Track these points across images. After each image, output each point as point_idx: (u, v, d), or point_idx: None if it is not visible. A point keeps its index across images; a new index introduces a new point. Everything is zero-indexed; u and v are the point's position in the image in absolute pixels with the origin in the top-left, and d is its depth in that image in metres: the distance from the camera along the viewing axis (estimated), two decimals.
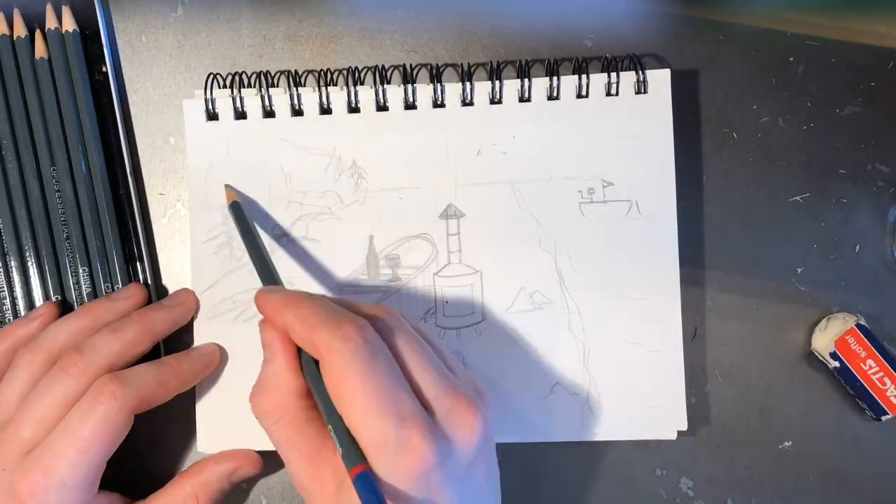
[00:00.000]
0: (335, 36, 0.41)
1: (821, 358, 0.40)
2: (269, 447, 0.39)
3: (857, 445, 0.41)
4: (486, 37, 0.41)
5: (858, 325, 0.39)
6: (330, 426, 0.30)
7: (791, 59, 0.41)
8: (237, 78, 0.40)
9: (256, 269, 0.36)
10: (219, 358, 0.39)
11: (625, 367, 0.39)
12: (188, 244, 0.40)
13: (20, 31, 0.40)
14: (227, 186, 0.40)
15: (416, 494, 0.28)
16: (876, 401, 0.39)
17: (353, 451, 0.29)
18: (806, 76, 0.41)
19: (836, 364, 0.39)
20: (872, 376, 0.39)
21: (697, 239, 0.41)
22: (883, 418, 0.39)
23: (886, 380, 0.38)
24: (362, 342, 0.30)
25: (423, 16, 0.41)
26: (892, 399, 0.38)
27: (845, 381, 0.39)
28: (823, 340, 0.39)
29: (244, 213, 0.38)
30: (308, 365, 0.32)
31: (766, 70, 0.41)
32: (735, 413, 0.41)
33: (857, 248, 0.41)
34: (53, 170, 0.40)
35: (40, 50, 0.40)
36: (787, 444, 0.41)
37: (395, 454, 0.28)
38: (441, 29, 0.41)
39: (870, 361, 0.39)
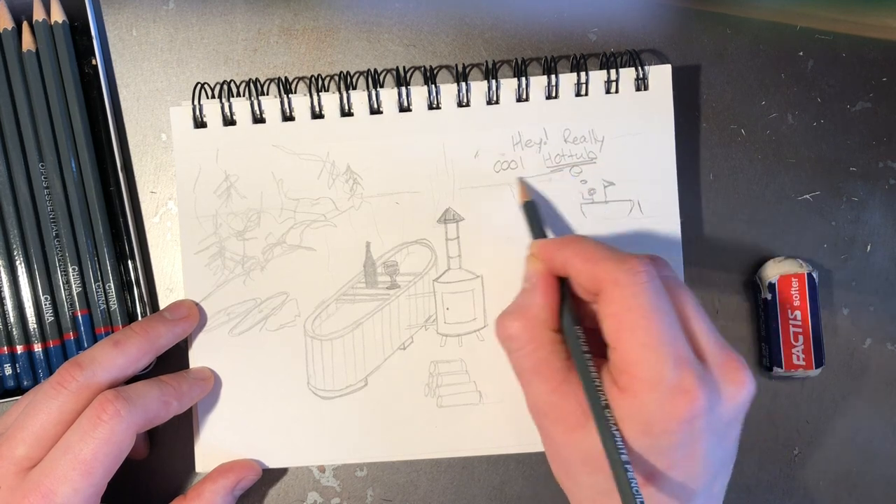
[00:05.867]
0: (332, 30, 0.40)
1: (759, 285, 0.39)
2: (266, 466, 0.39)
3: (867, 450, 0.40)
4: (487, 31, 0.40)
5: (809, 276, 0.38)
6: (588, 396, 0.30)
7: (801, 53, 0.40)
8: (226, 87, 0.39)
9: None
10: (213, 383, 0.38)
11: None
12: (180, 244, 0.39)
13: (6, 22, 0.39)
14: (521, 181, 0.38)
15: (678, 437, 0.29)
16: (779, 351, 0.38)
17: (612, 442, 0.29)
18: (816, 71, 0.40)
19: (769, 296, 0.38)
20: (791, 326, 0.38)
21: (705, 239, 0.40)
22: (774, 370, 0.39)
23: (801, 337, 0.38)
24: (648, 278, 0.30)
25: (422, 9, 0.40)
26: (794, 358, 0.38)
27: (764, 318, 0.39)
28: (771, 271, 0.39)
29: (539, 215, 0.37)
30: (569, 312, 0.33)
31: (774, 65, 0.40)
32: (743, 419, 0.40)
33: (869, 247, 0.40)
34: (42, 166, 0.39)
35: (28, 42, 0.39)
36: (796, 450, 0.40)
37: (669, 394, 0.29)
38: (440, 22, 0.40)
39: (798, 313, 0.38)
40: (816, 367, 0.38)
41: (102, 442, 0.32)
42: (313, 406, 0.39)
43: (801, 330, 0.38)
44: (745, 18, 0.40)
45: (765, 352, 0.39)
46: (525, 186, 0.38)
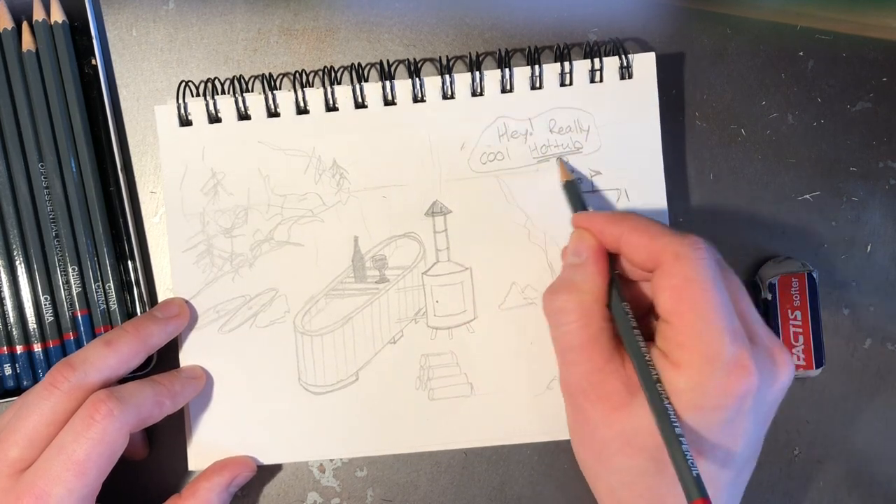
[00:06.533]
0: (332, 30, 0.40)
1: (759, 285, 0.39)
2: (259, 462, 0.39)
3: (867, 451, 0.40)
4: (487, 31, 0.40)
5: (809, 276, 0.38)
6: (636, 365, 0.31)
7: (801, 53, 0.40)
8: (210, 85, 0.39)
9: None
10: (205, 382, 0.38)
11: None
12: (167, 242, 0.39)
13: (6, 22, 0.39)
14: (560, 161, 0.38)
15: (727, 413, 0.29)
16: None
17: (669, 426, 0.29)
18: (816, 71, 0.40)
19: (769, 296, 0.38)
20: (791, 327, 0.38)
21: (705, 239, 0.40)
22: None
23: (801, 338, 0.38)
24: (709, 255, 0.30)
25: (422, 9, 0.40)
26: (794, 358, 0.38)
27: (764, 318, 0.38)
28: (771, 271, 0.39)
29: (580, 192, 0.37)
30: (617, 287, 0.33)
31: (775, 65, 0.40)
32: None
33: (869, 247, 0.40)
34: (42, 166, 0.39)
35: (27, 42, 0.39)
36: (796, 450, 0.40)
37: (726, 370, 0.29)
38: (441, 22, 0.40)
39: (798, 313, 0.38)
40: (816, 367, 0.38)
41: (96, 442, 0.32)
42: (305, 401, 0.39)
43: (801, 330, 0.38)
44: (745, 18, 0.40)
45: None
46: (564, 165, 0.38)
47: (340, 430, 0.39)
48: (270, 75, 0.40)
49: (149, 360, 0.39)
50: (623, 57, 0.38)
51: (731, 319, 0.29)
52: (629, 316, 0.32)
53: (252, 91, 0.40)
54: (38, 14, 0.39)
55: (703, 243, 0.30)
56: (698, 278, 0.29)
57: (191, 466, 0.39)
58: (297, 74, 0.39)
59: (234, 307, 0.39)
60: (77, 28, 0.40)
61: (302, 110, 0.39)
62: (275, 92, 0.39)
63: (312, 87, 0.40)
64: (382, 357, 0.39)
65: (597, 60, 0.38)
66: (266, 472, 0.40)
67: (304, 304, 0.39)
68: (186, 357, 0.39)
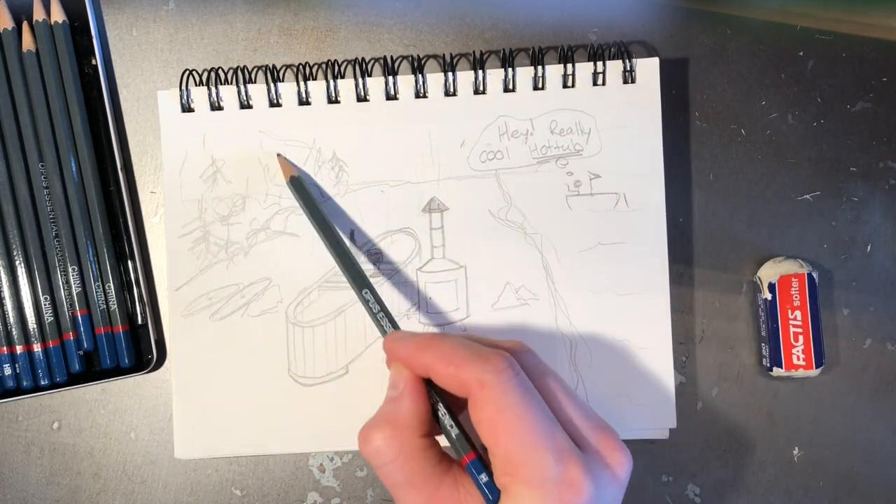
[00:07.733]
0: (331, 29, 0.40)
1: (759, 285, 0.39)
2: (245, 453, 0.39)
3: (868, 451, 0.40)
4: (488, 30, 0.40)
5: (809, 276, 0.38)
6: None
7: (801, 53, 0.40)
8: (213, 74, 0.39)
9: (327, 247, 0.35)
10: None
11: (612, 364, 0.38)
12: (164, 227, 0.39)
13: (7, 22, 0.39)
14: (280, 157, 0.39)
15: None
16: (779, 350, 0.38)
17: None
18: (816, 71, 0.40)
19: (769, 296, 0.38)
20: (791, 327, 0.38)
21: (705, 239, 0.40)
22: (774, 370, 0.38)
23: (801, 338, 0.38)
24: (513, 374, 0.29)
25: (422, 9, 0.40)
26: (794, 358, 0.38)
27: (765, 318, 0.39)
28: (771, 271, 0.39)
29: (306, 188, 0.37)
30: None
31: (774, 65, 0.40)
32: (743, 418, 0.40)
33: (869, 247, 0.40)
34: (42, 166, 0.39)
35: (28, 42, 0.39)
36: (796, 450, 0.40)
37: (557, 489, 0.28)
38: (441, 22, 0.40)
39: (798, 313, 0.38)
40: (816, 367, 0.38)
41: None
42: (293, 393, 0.39)
43: (801, 330, 0.38)
44: (745, 18, 0.40)
45: (765, 352, 0.39)
46: (285, 161, 0.38)
47: (329, 422, 0.38)
48: (274, 66, 0.40)
49: (149, 358, 0.39)
50: (627, 61, 0.38)
51: (552, 437, 0.28)
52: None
53: (254, 82, 0.40)
54: (39, 14, 0.39)
55: (506, 362, 0.29)
56: (507, 405, 0.28)
57: (177, 454, 0.39)
58: (300, 67, 0.39)
59: (226, 295, 0.39)
60: (77, 28, 0.40)
61: (304, 101, 0.39)
62: (277, 83, 0.39)
63: (315, 79, 0.39)
64: (373, 351, 0.39)
65: (600, 63, 0.38)
66: (266, 472, 0.40)
67: (296, 294, 0.39)
68: (175, 343, 0.39)
